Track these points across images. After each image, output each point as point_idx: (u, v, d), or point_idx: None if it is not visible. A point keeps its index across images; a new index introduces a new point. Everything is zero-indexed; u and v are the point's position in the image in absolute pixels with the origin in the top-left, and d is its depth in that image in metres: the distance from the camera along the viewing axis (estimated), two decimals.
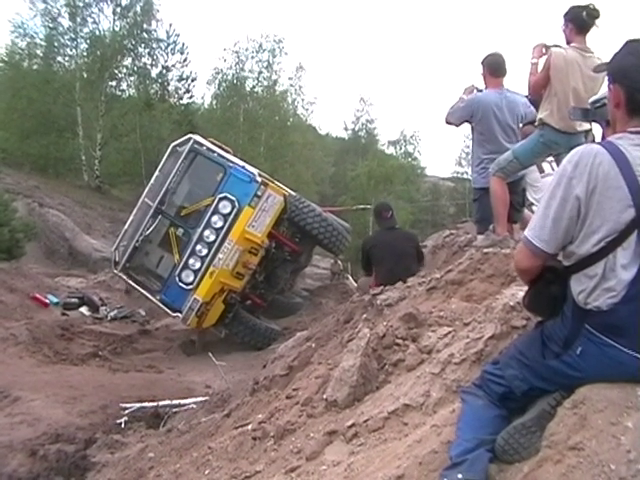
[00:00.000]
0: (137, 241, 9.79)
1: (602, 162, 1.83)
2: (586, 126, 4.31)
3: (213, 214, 9.38)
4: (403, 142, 42.26)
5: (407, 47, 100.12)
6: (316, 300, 11.93)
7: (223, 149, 10.32)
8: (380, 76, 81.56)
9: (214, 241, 9.30)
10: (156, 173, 10.42)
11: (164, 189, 9.80)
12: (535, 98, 4.31)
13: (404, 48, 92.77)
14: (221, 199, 9.39)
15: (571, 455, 1.73)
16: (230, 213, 9.32)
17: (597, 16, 4.21)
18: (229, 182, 9.49)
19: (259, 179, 9.60)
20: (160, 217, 9.78)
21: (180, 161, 9.84)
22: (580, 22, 4.25)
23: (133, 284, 10.06)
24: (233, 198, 9.33)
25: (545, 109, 4.32)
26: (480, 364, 2.56)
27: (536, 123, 4.43)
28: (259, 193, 9.43)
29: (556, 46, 4.34)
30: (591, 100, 2.05)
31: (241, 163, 9.95)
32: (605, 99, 1.99)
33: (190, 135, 10.31)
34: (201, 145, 9.99)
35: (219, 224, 9.33)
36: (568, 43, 4.33)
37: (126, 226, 10.38)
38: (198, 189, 9.86)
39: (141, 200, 10.30)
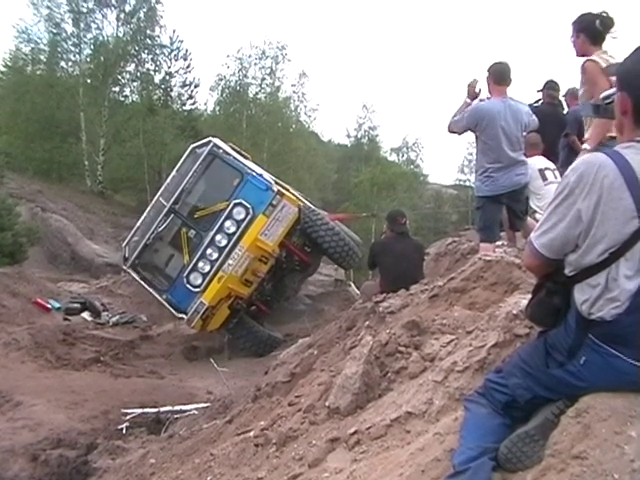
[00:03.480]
0: (148, 239, 9.81)
1: (607, 173, 1.81)
2: None
3: (227, 219, 9.38)
4: (406, 149, 42.33)
5: (410, 54, 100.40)
6: (318, 307, 11.93)
7: (242, 155, 10.33)
8: (382, 83, 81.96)
9: (225, 246, 9.29)
10: (173, 173, 10.45)
11: (179, 189, 9.80)
12: None
13: (407, 55, 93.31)
14: (236, 205, 9.39)
15: (575, 464, 1.73)
16: (244, 220, 9.30)
17: (611, 25, 3.95)
18: (245, 188, 9.48)
19: (275, 188, 9.60)
20: (173, 216, 9.80)
21: (198, 163, 9.84)
22: (593, 32, 3.95)
23: (140, 281, 10.06)
24: (248, 205, 9.32)
25: None
26: (483, 372, 2.56)
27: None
28: (274, 202, 9.42)
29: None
30: (602, 95, 1.97)
31: (259, 170, 9.99)
32: (615, 96, 1.96)
33: (210, 138, 10.31)
34: (220, 149, 10.00)
35: (232, 230, 9.33)
36: (580, 56, 4.07)
37: (139, 223, 10.41)
38: (213, 192, 9.86)
39: (156, 198, 10.33)
